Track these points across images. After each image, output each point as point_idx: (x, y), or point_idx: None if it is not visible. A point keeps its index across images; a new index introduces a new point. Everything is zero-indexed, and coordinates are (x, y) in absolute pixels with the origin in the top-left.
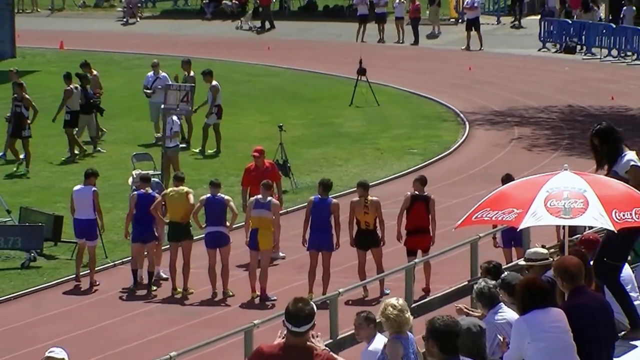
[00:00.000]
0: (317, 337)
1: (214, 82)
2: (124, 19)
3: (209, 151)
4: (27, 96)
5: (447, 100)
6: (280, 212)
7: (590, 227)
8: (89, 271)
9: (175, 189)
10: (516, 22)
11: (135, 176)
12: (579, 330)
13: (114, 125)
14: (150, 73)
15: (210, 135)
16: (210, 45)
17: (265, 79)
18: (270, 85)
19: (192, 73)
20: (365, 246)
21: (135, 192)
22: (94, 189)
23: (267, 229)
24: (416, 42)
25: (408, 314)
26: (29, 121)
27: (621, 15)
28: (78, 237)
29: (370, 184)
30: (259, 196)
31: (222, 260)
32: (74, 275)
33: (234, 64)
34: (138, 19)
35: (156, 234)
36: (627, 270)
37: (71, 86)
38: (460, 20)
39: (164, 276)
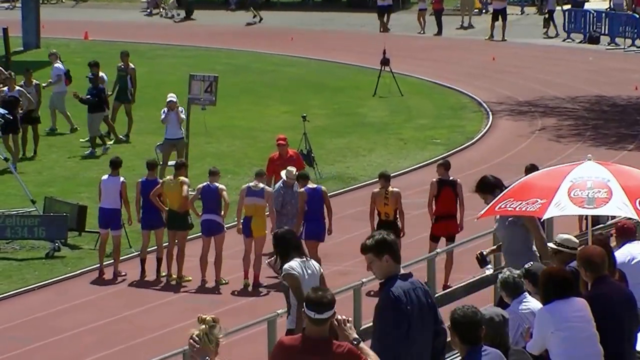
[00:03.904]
0: (348, 323)
1: (100, 74)
2: (148, 10)
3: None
4: None
5: (471, 91)
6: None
7: (614, 217)
8: (112, 261)
9: (173, 177)
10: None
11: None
12: (602, 319)
13: (137, 116)
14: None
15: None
16: (234, 35)
17: (288, 69)
18: (294, 75)
19: (131, 65)
20: None
21: (140, 180)
22: (122, 179)
23: (261, 217)
24: (439, 32)
25: None
26: None
27: None
28: (101, 227)
29: (394, 174)
30: (251, 184)
31: (215, 249)
32: (98, 265)
33: (257, 54)
34: (162, 10)
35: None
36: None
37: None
38: (484, 11)
39: None
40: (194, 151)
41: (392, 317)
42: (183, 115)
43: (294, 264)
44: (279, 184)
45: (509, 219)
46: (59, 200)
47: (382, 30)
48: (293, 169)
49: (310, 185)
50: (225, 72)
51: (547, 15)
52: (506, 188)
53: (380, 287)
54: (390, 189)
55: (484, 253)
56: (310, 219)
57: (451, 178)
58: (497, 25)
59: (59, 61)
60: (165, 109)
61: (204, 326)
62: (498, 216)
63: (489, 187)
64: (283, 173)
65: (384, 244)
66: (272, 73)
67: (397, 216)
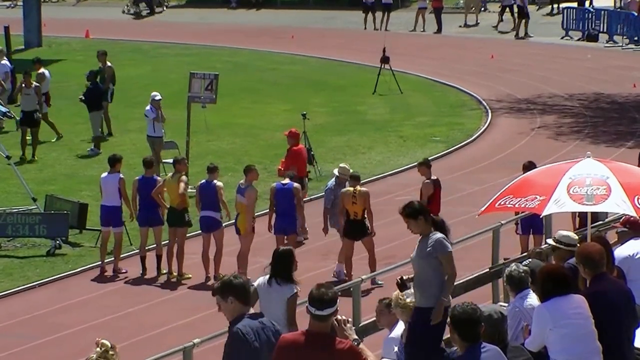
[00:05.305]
0: (348, 324)
1: (41, 70)
2: (149, 9)
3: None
4: None
5: (470, 88)
6: (305, 199)
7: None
8: (113, 258)
9: (172, 174)
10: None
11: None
12: (601, 316)
13: (139, 114)
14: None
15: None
16: (235, 33)
17: (289, 67)
18: (294, 73)
19: (108, 64)
20: (354, 236)
21: (137, 177)
22: (120, 176)
23: (243, 214)
24: (439, 30)
25: None
26: None
27: None
28: (103, 224)
29: (393, 171)
30: (241, 181)
31: (215, 245)
32: (99, 263)
33: (258, 52)
34: (164, 8)
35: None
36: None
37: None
38: (483, 9)
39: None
40: (195, 149)
41: (241, 354)
42: (164, 115)
43: (260, 280)
44: (332, 181)
45: (427, 249)
46: (60, 198)
47: (366, 27)
48: (346, 166)
49: (284, 181)
50: (226, 70)
51: (500, 9)
52: (429, 213)
53: (229, 327)
54: (358, 188)
55: (404, 278)
56: (279, 214)
57: (434, 177)
58: (504, 21)
59: (5, 58)
60: (153, 107)
61: (99, 349)
62: (417, 246)
63: (414, 212)
64: (336, 170)
65: (228, 287)
66: (273, 71)
67: (366, 216)
